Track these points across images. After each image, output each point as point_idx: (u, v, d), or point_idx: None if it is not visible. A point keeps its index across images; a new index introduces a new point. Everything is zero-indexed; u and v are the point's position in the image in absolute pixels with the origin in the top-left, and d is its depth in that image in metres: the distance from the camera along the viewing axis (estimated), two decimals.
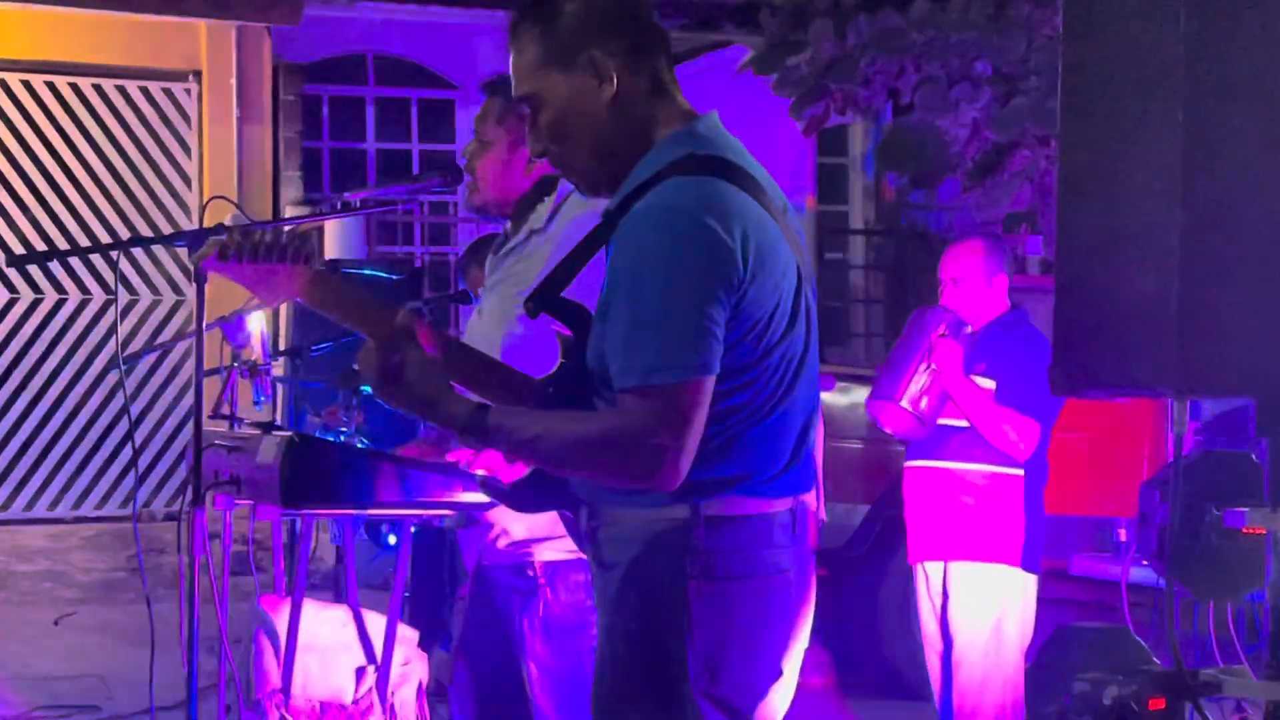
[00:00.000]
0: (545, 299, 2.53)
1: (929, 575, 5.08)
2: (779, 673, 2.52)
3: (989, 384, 4.91)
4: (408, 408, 2.54)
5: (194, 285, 3.14)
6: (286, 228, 2.92)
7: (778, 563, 2.49)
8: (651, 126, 2.55)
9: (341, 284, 2.90)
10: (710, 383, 2.38)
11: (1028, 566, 4.92)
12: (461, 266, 6.12)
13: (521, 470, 2.56)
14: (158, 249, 10.46)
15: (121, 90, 10.63)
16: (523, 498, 2.65)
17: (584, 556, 3.22)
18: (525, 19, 2.59)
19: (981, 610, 4.92)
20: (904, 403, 5.01)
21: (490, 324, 3.39)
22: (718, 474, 2.44)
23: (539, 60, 2.56)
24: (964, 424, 4.94)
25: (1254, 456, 4.80)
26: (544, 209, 3.40)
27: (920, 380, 4.98)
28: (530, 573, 3.33)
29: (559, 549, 3.30)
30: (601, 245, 2.53)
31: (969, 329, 4.99)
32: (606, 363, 2.45)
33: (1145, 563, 5.89)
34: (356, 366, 2.57)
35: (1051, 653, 5.41)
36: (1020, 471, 4.90)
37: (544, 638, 3.32)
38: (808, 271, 2.56)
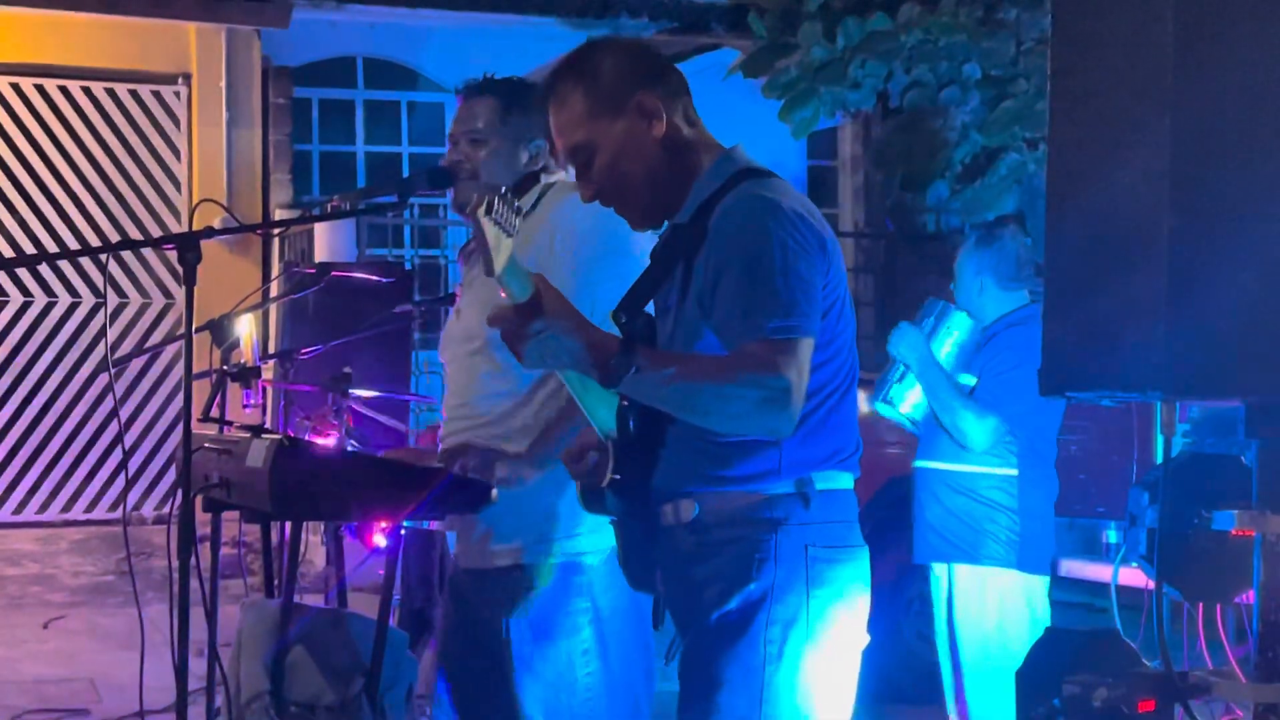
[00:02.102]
0: (631, 311, 2.67)
1: (939, 577, 5.05)
2: (867, 636, 2.75)
3: (970, 380, 4.88)
4: (551, 343, 2.50)
5: (183, 288, 3.13)
6: None
7: (862, 535, 2.76)
8: (697, 156, 2.76)
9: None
10: (812, 345, 2.59)
11: (1026, 568, 4.85)
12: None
13: None
14: (147, 252, 10.45)
15: (111, 93, 10.62)
16: (611, 502, 2.76)
17: (571, 559, 3.25)
18: (565, 77, 2.77)
19: (983, 614, 4.87)
20: (880, 403, 5.01)
21: (475, 316, 3.36)
22: (820, 450, 2.67)
23: (587, 112, 2.73)
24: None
25: (1243, 459, 4.80)
26: (531, 195, 3.44)
27: (897, 373, 4.98)
28: (518, 574, 3.33)
29: (548, 551, 3.30)
30: (679, 257, 2.71)
31: (957, 321, 4.94)
32: (696, 344, 2.63)
33: (1134, 564, 5.89)
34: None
35: (1040, 655, 5.41)
36: (1014, 470, 4.86)
37: (532, 640, 3.31)
38: None
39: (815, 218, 2.66)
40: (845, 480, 2.73)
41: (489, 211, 2.81)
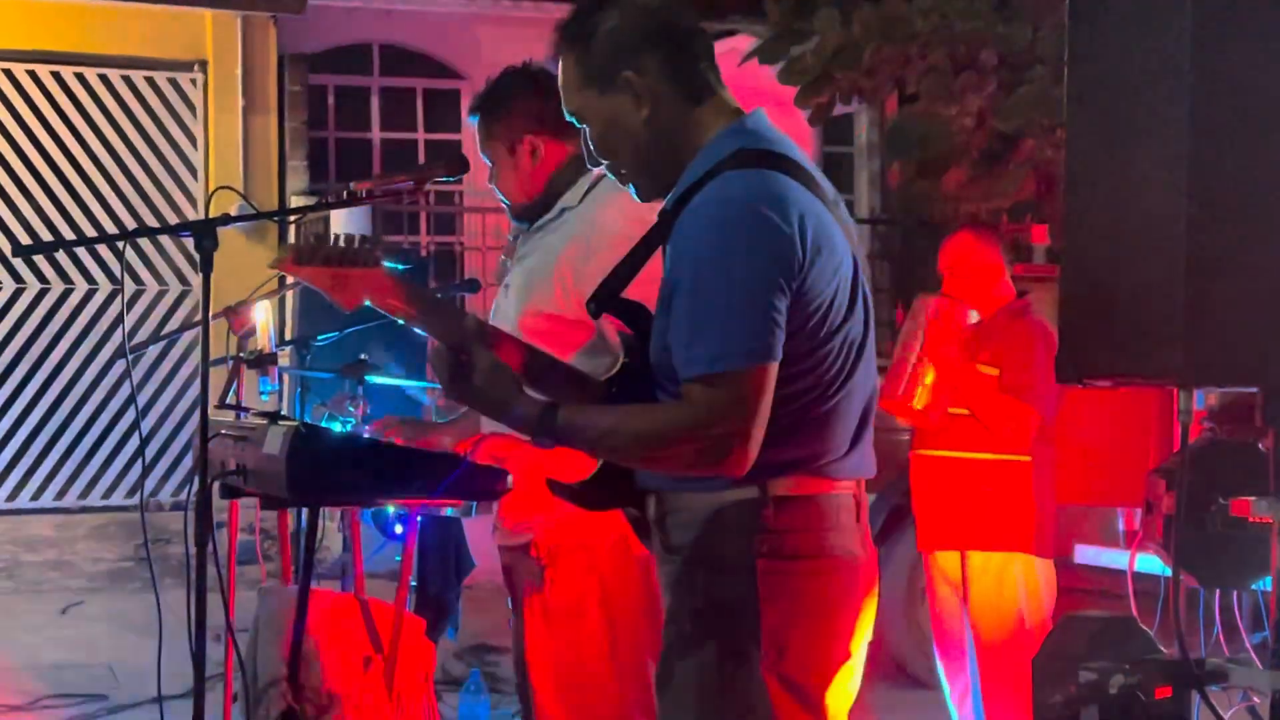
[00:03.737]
0: (606, 299, 2.57)
1: (942, 564, 5.08)
2: (847, 655, 2.56)
3: (992, 372, 4.91)
4: (478, 407, 2.57)
5: (200, 275, 3.14)
6: (345, 232, 2.96)
7: (844, 545, 2.53)
8: (696, 133, 2.59)
9: (413, 288, 2.93)
10: (774, 369, 2.41)
11: (1042, 553, 4.92)
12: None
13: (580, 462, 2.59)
14: (164, 239, 10.47)
15: (127, 80, 10.63)
16: (590, 496, 2.69)
17: (579, 540, 3.25)
18: (562, 40, 2.66)
19: (1003, 600, 4.91)
20: (901, 400, 5.01)
21: (515, 298, 3.42)
22: (785, 455, 2.47)
23: (578, 81, 2.63)
24: (968, 411, 4.94)
25: (1260, 445, 4.80)
26: (579, 187, 3.45)
27: (916, 371, 4.99)
28: (534, 553, 3.35)
29: (557, 531, 3.31)
30: (659, 244, 2.57)
31: (973, 315, 4.98)
32: (670, 355, 2.48)
33: (1151, 551, 5.89)
34: (430, 366, 2.63)
35: (1057, 642, 5.41)
36: (1028, 458, 4.90)
37: (544, 620, 3.33)
38: (862, 259, 2.62)
39: (790, 219, 2.41)
40: (817, 486, 2.51)
41: (298, 260, 2.81)
